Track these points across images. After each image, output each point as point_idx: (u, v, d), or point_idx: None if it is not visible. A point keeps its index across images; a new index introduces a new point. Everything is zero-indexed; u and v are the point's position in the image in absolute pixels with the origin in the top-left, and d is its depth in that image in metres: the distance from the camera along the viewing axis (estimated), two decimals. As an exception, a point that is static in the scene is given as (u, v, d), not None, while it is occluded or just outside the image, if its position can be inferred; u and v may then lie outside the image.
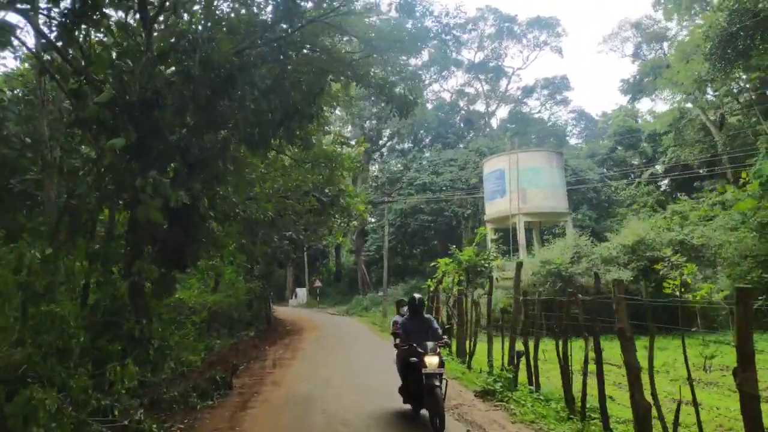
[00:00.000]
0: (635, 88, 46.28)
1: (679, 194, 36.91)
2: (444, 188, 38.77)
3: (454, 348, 14.34)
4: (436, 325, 7.88)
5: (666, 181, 46.57)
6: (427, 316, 8.04)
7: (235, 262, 18.93)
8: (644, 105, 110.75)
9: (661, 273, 19.49)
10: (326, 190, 15.56)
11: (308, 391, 9.44)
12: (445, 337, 7.91)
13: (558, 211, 29.23)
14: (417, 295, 8.14)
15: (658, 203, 37.45)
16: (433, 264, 40.43)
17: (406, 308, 8.46)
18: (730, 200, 27.08)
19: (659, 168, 45.39)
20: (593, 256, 22.83)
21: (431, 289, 19.51)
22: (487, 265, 13.30)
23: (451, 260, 15.97)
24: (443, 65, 53.42)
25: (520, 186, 28.81)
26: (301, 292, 54.67)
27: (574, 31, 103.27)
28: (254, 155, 11.58)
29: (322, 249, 62.13)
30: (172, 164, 9.58)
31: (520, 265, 11.90)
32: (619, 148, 47.35)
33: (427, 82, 54.57)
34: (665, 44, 51.46)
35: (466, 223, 38.95)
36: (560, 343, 8.03)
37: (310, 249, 30.48)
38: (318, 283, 49.25)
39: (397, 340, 7.91)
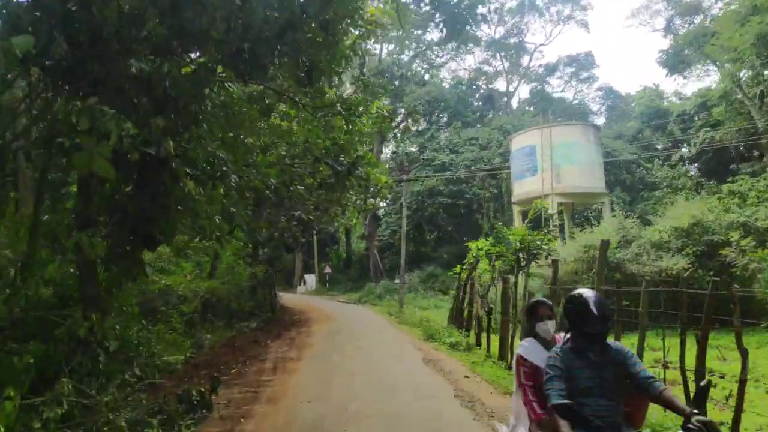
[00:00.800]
0: (675, 59, 42.83)
1: (710, 179, 34.03)
2: (464, 168, 35.94)
3: (495, 349, 11.73)
4: (644, 370, 3.07)
5: (695, 165, 43.31)
6: (616, 346, 3.23)
7: (235, 242, 16.42)
8: (669, 86, 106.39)
9: (727, 259, 16.72)
10: (341, 158, 12.86)
11: (316, 421, 6.72)
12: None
13: (595, 191, 26.38)
14: (590, 295, 3.18)
15: (697, 186, 34.43)
16: (447, 252, 37.64)
17: (550, 324, 3.59)
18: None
19: (688, 150, 42.23)
20: (641, 241, 20.07)
21: (461, 277, 16.90)
22: (545, 246, 10.59)
23: (489, 241, 13.27)
24: (461, 41, 50.26)
25: (553, 163, 25.98)
26: (310, 279, 52.32)
27: (601, 4, 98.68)
28: (249, 101, 8.92)
29: (332, 233, 59.76)
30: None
31: (556, 263, 9.48)
32: (647, 129, 44.28)
33: (442, 59, 51.62)
34: (698, 18, 48.11)
35: (488, 206, 36.15)
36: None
37: (320, 232, 27.93)
38: (328, 270, 46.84)
39: (529, 395, 3.38)
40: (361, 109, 10.05)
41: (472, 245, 16.18)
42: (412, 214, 37.38)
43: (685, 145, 46.61)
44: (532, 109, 48.34)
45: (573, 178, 25.84)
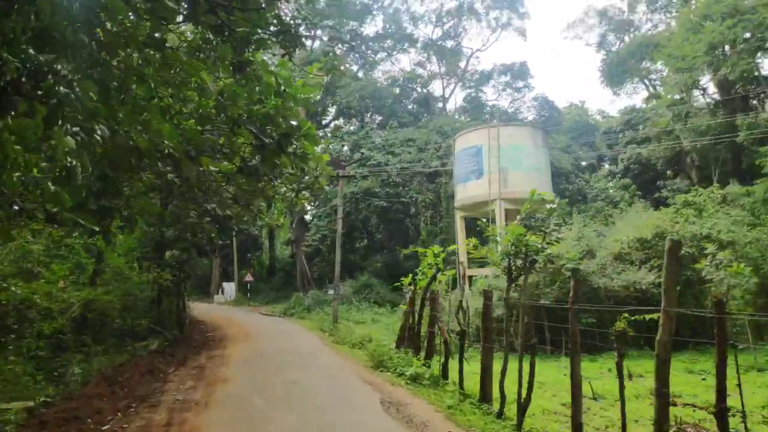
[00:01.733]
0: (613, 74, 43.05)
1: (637, 193, 34.24)
2: (402, 170, 33.52)
3: (471, 385, 9.05)
4: None
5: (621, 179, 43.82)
6: None
7: (127, 239, 12.85)
8: (601, 100, 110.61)
9: (704, 274, 15.21)
10: (268, 128, 9.71)
11: None
12: None
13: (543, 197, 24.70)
14: None
15: (632, 198, 34.23)
16: (379, 261, 34.99)
17: None
18: (731, 194, 23.78)
19: (616, 165, 42.61)
20: (603, 252, 18.42)
21: (417, 288, 14.20)
22: (543, 247, 8.10)
23: (473, 242, 10.62)
24: (397, 38, 48.25)
25: (501, 166, 24.08)
26: (229, 288, 47.83)
27: (538, 15, 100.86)
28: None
29: (254, 237, 55.52)
30: None
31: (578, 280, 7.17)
32: (573, 142, 44.58)
33: (377, 57, 49.32)
34: (629, 36, 49.16)
35: (425, 211, 33.93)
36: None
37: (240, 233, 24.27)
38: (249, 278, 42.70)
39: None
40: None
41: (430, 251, 13.58)
42: (344, 218, 34.36)
43: (607, 159, 47.45)
44: (465, 116, 47.03)
45: (521, 183, 24.06)
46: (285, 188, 14.95)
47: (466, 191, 25.29)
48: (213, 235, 19.59)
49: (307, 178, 14.39)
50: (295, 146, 9.96)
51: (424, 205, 33.74)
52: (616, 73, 43.50)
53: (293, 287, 45.16)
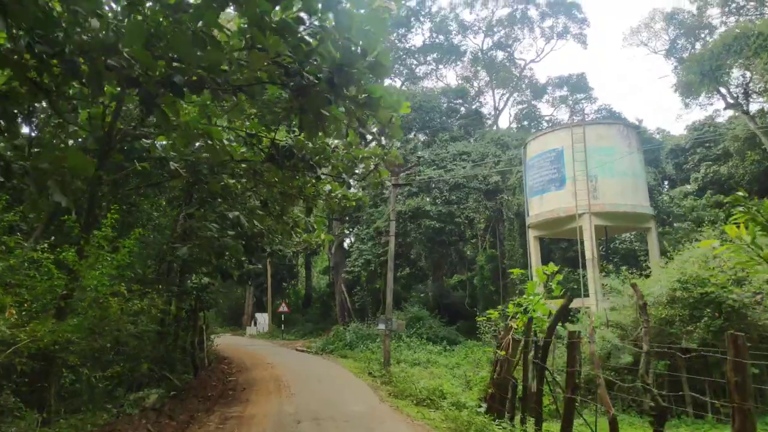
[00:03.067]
0: (698, 74, 38.02)
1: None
2: (456, 186, 29.33)
3: None
4: None
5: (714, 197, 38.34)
6: None
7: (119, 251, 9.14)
8: (651, 123, 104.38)
9: None
10: (314, 61, 5.79)
11: None
12: None
13: (640, 211, 20.03)
14: None
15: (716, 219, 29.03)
16: (425, 292, 30.52)
17: None
18: None
19: (691, 184, 37.29)
20: (756, 278, 13.67)
21: (518, 327, 9.92)
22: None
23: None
24: (444, 50, 44.79)
25: (588, 173, 19.66)
26: (262, 319, 44.03)
27: (597, 22, 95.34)
28: None
29: (289, 264, 51.91)
30: None
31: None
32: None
33: (422, 71, 45.90)
34: (700, 42, 44.32)
35: (483, 233, 29.49)
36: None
37: (273, 257, 20.35)
38: (284, 308, 38.84)
39: None
40: None
41: (539, 270, 9.38)
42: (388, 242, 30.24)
43: (670, 179, 42.04)
44: (525, 125, 42.71)
45: (613, 194, 19.58)
46: (329, 184, 10.99)
47: (543, 205, 20.86)
48: (239, 255, 15.75)
49: (362, 167, 10.44)
50: (357, 84, 5.99)
51: (483, 226, 29.34)
52: (693, 80, 38.52)
53: (331, 319, 41.03)
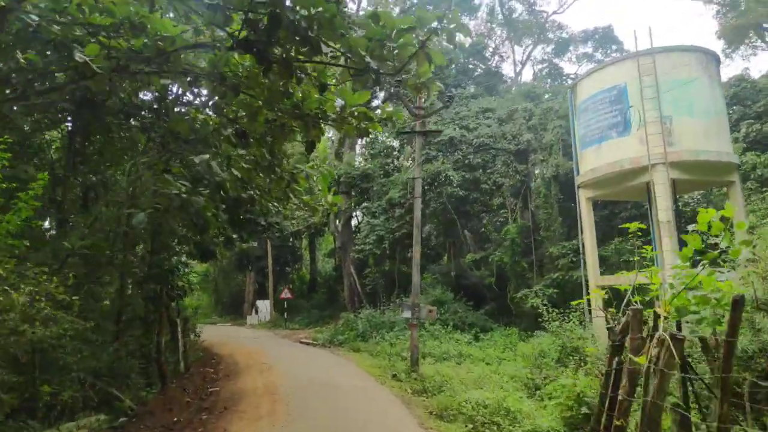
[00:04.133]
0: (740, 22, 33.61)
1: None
2: (480, 148, 25.11)
3: None
4: None
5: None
6: None
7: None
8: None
9: None
10: None
11: None
12: None
13: (725, 159, 15.84)
14: None
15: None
16: (439, 273, 26.48)
17: None
18: None
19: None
20: None
21: (663, 313, 5.78)
22: None
23: None
24: (455, 3, 40.12)
25: (662, 113, 15.45)
26: (264, 307, 40.21)
27: None
28: None
29: (291, 246, 48.05)
30: None
31: None
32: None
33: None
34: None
35: (513, 201, 25.35)
36: None
37: (269, 230, 16.17)
38: (287, 294, 35.00)
39: None
40: None
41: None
42: (404, 214, 26.20)
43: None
44: (548, 84, 38.23)
45: (693, 139, 15.39)
46: (342, 92, 6.80)
47: (601, 157, 16.66)
48: (218, 225, 11.73)
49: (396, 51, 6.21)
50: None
51: (513, 192, 25.17)
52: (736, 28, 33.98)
53: (339, 305, 37.22)
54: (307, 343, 22.89)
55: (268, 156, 9.76)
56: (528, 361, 13.27)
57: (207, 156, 8.69)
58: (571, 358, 11.15)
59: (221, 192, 9.88)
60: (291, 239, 47.39)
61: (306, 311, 37.54)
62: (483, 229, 30.78)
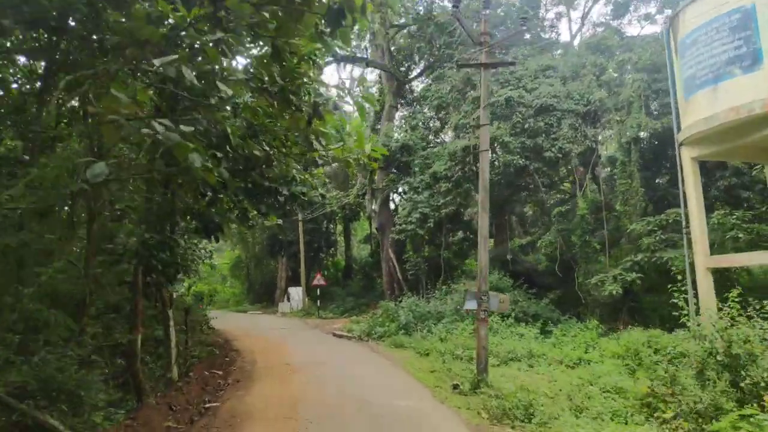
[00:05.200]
0: None
1: None
2: (542, 110, 21.27)
3: None
4: None
5: None
6: None
7: None
8: None
9: None
10: None
11: None
12: None
13: None
14: None
15: None
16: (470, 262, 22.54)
17: None
18: None
19: None
20: None
21: None
22: None
23: None
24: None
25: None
26: (297, 294, 37.47)
27: None
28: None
29: (325, 231, 45.21)
30: None
31: None
32: None
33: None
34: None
35: (584, 170, 21.44)
36: None
37: (294, 200, 13.07)
38: (319, 280, 32.12)
39: None
40: None
41: None
42: (452, 188, 22.67)
43: None
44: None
45: None
46: None
47: (717, 102, 12.76)
48: (230, 195, 8.70)
49: None
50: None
51: (582, 161, 21.24)
52: None
53: (376, 293, 34.11)
54: (341, 336, 19.80)
55: (278, 76, 6.60)
56: (628, 365, 9.70)
57: (175, 56, 5.42)
58: (723, 370, 7.56)
59: (228, 147, 6.80)
60: (325, 223, 44.53)
61: (341, 299, 34.66)
62: (541, 206, 26.97)
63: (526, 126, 21.33)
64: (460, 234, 28.10)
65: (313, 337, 19.99)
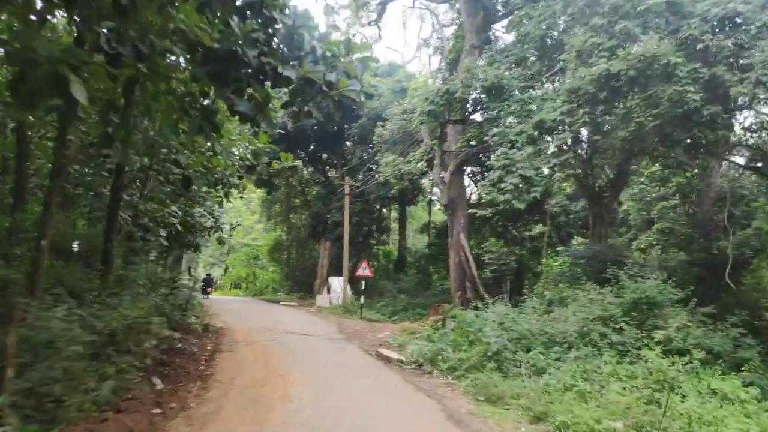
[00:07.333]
0: None
1: None
2: (725, 22, 13.16)
3: None
4: None
5: None
6: None
7: None
8: None
9: None
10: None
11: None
12: None
13: None
14: None
15: None
16: (579, 259, 14.37)
17: None
18: None
19: None
20: None
21: None
22: None
23: None
24: None
25: None
26: (338, 284, 30.65)
27: None
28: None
29: (377, 216, 38.31)
30: None
31: None
32: None
33: None
34: None
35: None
36: None
37: (286, 82, 6.44)
38: (366, 270, 25.22)
39: None
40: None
41: None
42: (572, 143, 14.84)
43: None
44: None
45: None
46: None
47: None
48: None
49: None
50: None
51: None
52: None
53: (433, 292, 26.91)
54: (391, 358, 12.59)
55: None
56: None
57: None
58: None
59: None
60: (378, 207, 37.65)
61: (391, 296, 27.60)
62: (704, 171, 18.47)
63: (699, 47, 13.28)
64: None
65: (344, 358, 12.90)
